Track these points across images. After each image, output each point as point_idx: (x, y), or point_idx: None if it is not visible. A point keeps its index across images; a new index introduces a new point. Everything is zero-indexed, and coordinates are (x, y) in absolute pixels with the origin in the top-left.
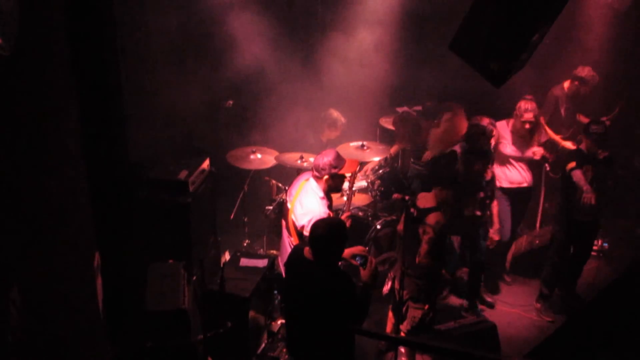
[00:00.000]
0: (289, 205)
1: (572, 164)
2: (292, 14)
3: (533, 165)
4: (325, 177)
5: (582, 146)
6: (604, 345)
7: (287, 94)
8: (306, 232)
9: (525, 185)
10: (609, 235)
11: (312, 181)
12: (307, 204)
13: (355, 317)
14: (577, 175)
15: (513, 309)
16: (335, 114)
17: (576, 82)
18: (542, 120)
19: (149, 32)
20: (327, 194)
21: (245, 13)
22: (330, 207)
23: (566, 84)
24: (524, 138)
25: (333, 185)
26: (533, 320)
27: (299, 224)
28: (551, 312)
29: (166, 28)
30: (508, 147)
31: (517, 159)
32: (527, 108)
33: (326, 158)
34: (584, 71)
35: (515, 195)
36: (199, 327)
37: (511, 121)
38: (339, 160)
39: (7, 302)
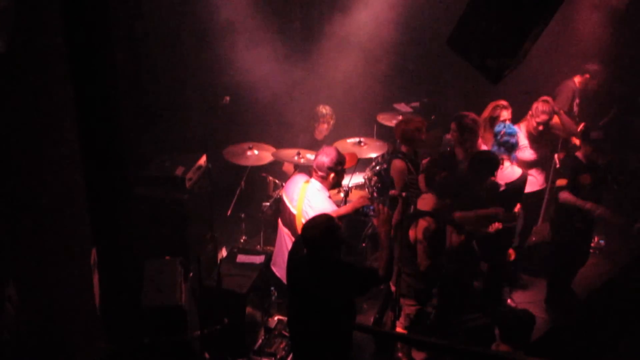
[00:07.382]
0: (293, 210)
1: (562, 182)
2: (289, 8)
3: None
4: (332, 175)
5: (579, 153)
6: (603, 342)
7: (285, 89)
8: None
9: (538, 188)
10: (606, 232)
11: (315, 182)
12: (318, 206)
13: (375, 280)
14: (564, 197)
15: (517, 304)
16: (324, 109)
17: (587, 75)
18: (561, 112)
19: (146, 28)
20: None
21: (243, 9)
22: None
23: (577, 79)
24: (537, 141)
25: (336, 180)
26: (538, 317)
27: None
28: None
29: (164, 24)
30: (526, 152)
31: (533, 163)
32: (544, 110)
33: (329, 157)
34: (594, 65)
35: (527, 198)
36: (195, 323)
37: (525, 123)
38: (341, 157)
39: (3, 299)
